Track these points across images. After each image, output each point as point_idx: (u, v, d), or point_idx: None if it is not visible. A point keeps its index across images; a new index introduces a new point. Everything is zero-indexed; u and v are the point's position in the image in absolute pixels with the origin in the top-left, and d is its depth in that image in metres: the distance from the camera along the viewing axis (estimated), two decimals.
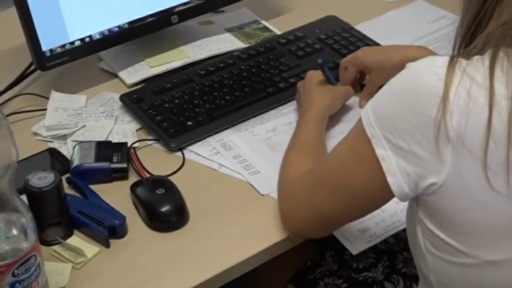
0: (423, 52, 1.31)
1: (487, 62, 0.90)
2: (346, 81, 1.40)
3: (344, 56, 1.50)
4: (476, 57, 0.91)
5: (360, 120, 0.97)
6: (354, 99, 1.39)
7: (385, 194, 0.97)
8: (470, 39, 0.95)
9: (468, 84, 0.88)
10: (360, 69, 1.40)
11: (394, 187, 0.95)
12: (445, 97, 0.88)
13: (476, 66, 0.90)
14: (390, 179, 0.94)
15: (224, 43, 1.58)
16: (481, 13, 0.93)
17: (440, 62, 0.91)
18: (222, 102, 1.40)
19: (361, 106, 1.38)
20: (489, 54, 0.90)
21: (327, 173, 1.05)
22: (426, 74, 0.91)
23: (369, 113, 0.95)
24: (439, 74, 0.90)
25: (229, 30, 1.63)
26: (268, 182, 1.24)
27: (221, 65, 1.49)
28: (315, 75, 1.35)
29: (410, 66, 0.94)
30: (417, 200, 0.98)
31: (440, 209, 0.95)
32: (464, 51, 0.93)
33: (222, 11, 1.68)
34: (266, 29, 1.64)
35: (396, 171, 0.94)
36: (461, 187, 0.91)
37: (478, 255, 0.96)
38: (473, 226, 0.94)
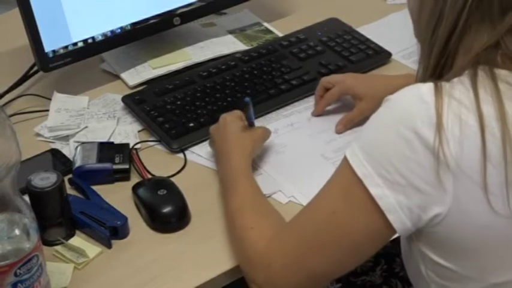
0: (412, 81, 1.30)
1: (467, 83, 0.89)
2: (326, 101, 1.37)
3: (346, 58, 1.51)
4: (456, 79, 0.90)
5: (344, 163, 0.94)
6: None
7: (385, 234, 0.94)
8: (440, 71, 0.93)
9: (457, 109, 0.87)
10: (344, 94, 1.36)
11: (396, 224, 0.91)
12: (439, 125, 0.86)
13: (460, 89, 0.88)
14: (391, 217, 0.91)
15: (226, 45, 1.58)
16: (448, 46, 0.91)
17: (426, 90, 0.89)
18: (224, 103, 1.40)
19: (337, 131, 1.34)
20: (468, 75, 0.89)
21: (314, 230, 0.98)
22: (415, 104, 0.89)
23: (357, 153, 0.92)
24: (428, 102, 0.88)
25: (231, 32, 1.63)
26: (269, 183, 1.24)
27: (223, 66, 1.49)
28: (229, 120, 1.24)
29: (395, 100, 0.91)
30: (417, 234, 0.95)
31: (445, 239, 0.92)
32: (440, 80, 0.91)
33: (224, 13, 1.69)
34: (268, 31, 1.65)
35: (396, 208, 0.90)
36: (464, 214, 0.89)
37: (485, 278, 0.95)
38: (479, 251, 0.93)
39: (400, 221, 0.91)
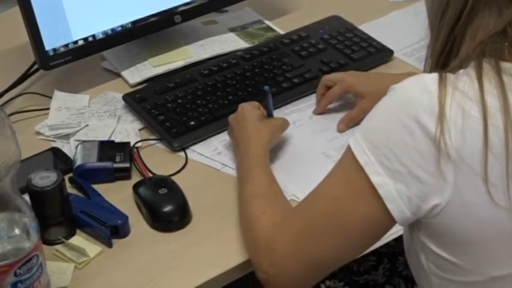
0: None
1: (473, 75, 0.89)
2: (327, 100, 1.37)
3: (348, 56, 1.50)
4: (461, 71, 0.90)
5: (347, 150, 0.95)
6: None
7: (385, 223, 0.94)
8: (445, 59, 0.94)
9: (461, 100, 0.87)
10: (345, 92, 1.36)
11: (395, 213, 0.92)
12: (441, 115, 0.87)
13: (465, 80, 0.89)
14: (390, 206, 0.91)
15: (227, 43, 1.58)
16: (454, 33, 0.92)
17: (430, 80, 0.89)
18: (225, 102, 1.39)
19: (339, 130, 1.34)
20: (473, 67, 0.89)
21: (315, 216, 0.99)
22: (419, 94, 0.89)
23: (360, 141, 0.93)
24: (431, 92, 0.88)
25: (232, 30, 1.63)
26: None
27: (224, 64, 1.48)
28: (248, 109, 1.26)
29: (399, 89, 0.92)
30: (418, 225, 0.96)
31: (445, 230, 0.93)
32: (445, 71, 0.91)
33: (226, 11, 1.68)
34: (269, 28, 1.64)
35: (396, 197, 0.91)
36: (464, 205, 0.89)
37: (485, 271, 0.94)
38: (479, 243, 0.92)
39: (399, 209, 0.92)
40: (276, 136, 1.27)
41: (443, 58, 0.94)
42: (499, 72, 0.88)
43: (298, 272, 1.02)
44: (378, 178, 0.91)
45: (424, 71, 0.97)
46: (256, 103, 1.28)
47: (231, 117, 1.28)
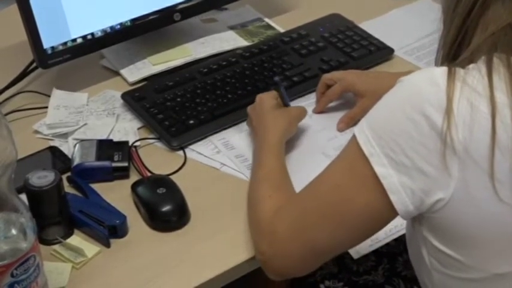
0: None
1: (483, 70, 0.88)
2: (327, 98, 1.36)
3: (348, 54, 1.50)
4: (471, 66, 0.90)
5: (352, 140, 0.94)
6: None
7: (386, 215, 0.94)
8: (456, 51, 0.93)
9: (469, 95, 0.87)
10: (346, 91, 1.36)
11: (397, 205, 0.91)
12: (448, 109, 0.86)
13: (474, 75, 0.88)
14: (393, 198, 0.91)
15: (227, 41, 1.57)
16: (466, 24, 0.91)
17: (439, 73, 0.89)
18: (225, 100, 1.39)
19: (338, 129, 1.34)
20: (483, 61, 0.89)
21: (317, 202, 0.99)
22: (427, 87, 0.89)
23: (366, 131, 0.92)
24: (439, 85, 0.88)
25: (232, 28, 1.62)
26: None
27: (224, 63, 1.48)
28: (266, 99, 1.28)
29: (407, 80, 0.91)
30: (420, 219, 0.96)
31: (448, 225, 0.92)
32: (455, 63, 0.91)
33: (225, 9, 1.68)
34: (269, 26, 1.63)
35: (399, 189, 0.91)
36: (469, 201, 0.89)
37: (487, 268, 0.94)
38: (482, 239, 0.92)
39: (401, 202, 0.91)
40: (293, 125, 1.28)
41: (454, 49, 0.94)
42: (509, 67, 0.88)
43: (295, 257, 1.02)
44: (382, 169, 0.91)
45: (436, 62, 0.96)
46: (274, 93, 1.29)
47: (249, 108, 1.30)
